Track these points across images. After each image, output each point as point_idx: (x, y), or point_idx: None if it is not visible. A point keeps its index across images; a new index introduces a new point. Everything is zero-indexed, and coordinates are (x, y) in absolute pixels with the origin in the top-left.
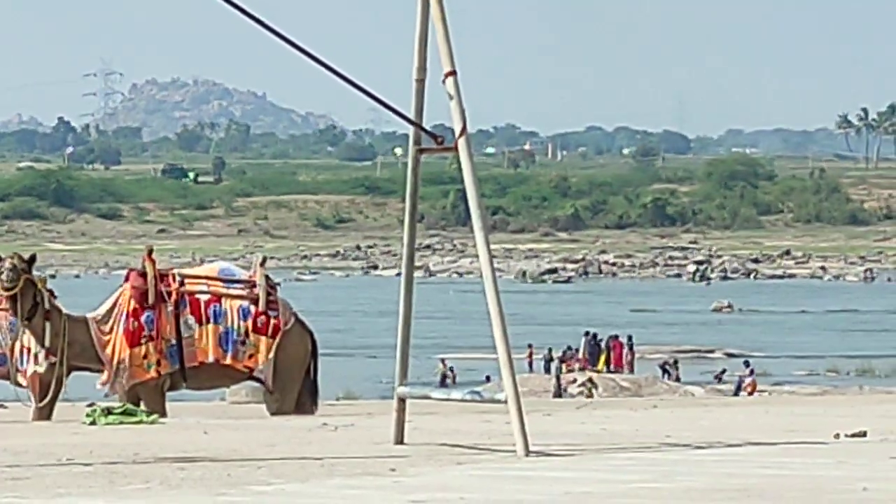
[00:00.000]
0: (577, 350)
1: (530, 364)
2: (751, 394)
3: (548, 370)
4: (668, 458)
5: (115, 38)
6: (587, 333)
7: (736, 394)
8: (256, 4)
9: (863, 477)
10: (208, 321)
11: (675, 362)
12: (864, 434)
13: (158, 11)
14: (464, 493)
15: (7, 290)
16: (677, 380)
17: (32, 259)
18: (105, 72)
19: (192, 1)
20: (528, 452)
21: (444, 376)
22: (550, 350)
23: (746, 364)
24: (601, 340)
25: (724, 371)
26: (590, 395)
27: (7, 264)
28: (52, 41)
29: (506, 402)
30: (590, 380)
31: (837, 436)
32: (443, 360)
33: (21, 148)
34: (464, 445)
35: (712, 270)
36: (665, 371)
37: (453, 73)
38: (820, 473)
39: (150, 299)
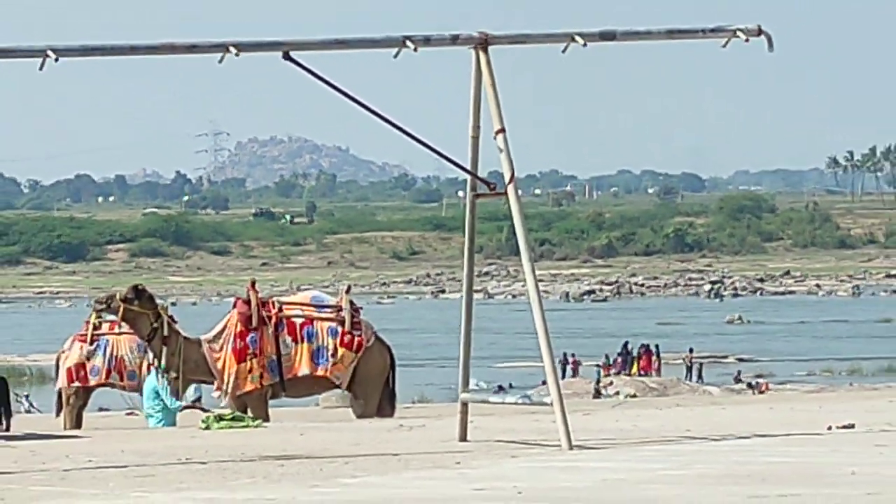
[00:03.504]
0: (615, 359)
1: (574, 370)
2: (763, 392)
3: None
4: (688, 449)
5: (223, 103)
6: (626, 344)
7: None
8: (341, 76)
9: (852, 463)
10: (303, 340)
11: (700, 366)
12: (852, 426)
13: (259, 80)
14: (518, 482)
15: (98, 310)
16: (700, 379)
17: (135, 290)
18: (214, 132)
19: (287, 73)
20: (571, 446)
21: (500, 386)
22: (564, 354)
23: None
24: (632, 349)
25: (739, 372)
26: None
27: (113, 292)
28: (170, 107)
29: (551, 404)
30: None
31: (830, 428)
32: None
33: (145, 197)
34: (517, 441)
35: (725, 289)
36: (689, 370)
37: (502, 130)
38: (815, 460)
39: (254, 322)
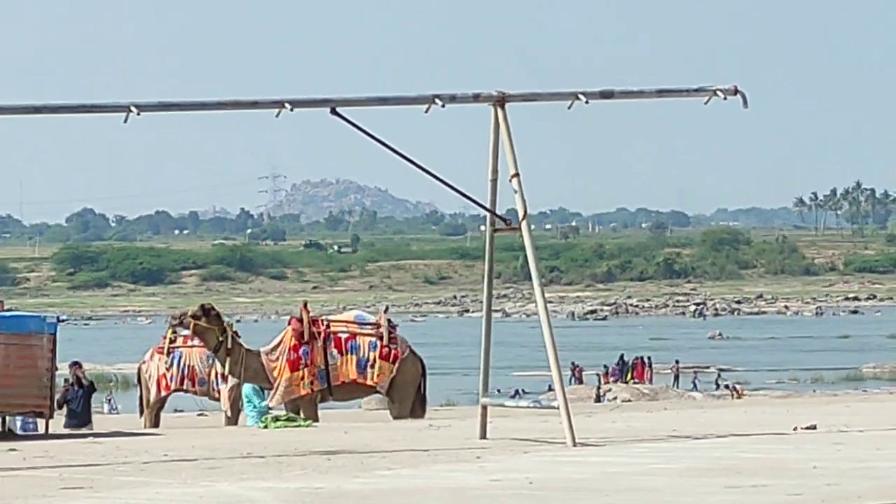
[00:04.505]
0: (614, 367)
1: (578, 378)
2: (739, 397)
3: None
4: (674, 446)
5: (281, 151)
6: (622, 356)
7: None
8: (380, 126)
9: (814, 458)
10: (347, 352)
11: (696, 375)
12: (815, 427)
13: (311, 131)
14: (530, 473)
15: (172, 325)
16: (694, 386)
17: (203, 308)
18: (274, 175)
19: (335, 125)
20: (575, 444)
21: (515, 391)
22: (573, 363)
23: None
24: (628, 360)
25: (719, 376)
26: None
27: (185, 310)
28: (236, 153)
29: (558, 407)
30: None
31: (795, 428)
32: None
33: (215, 230)
34: (529, 439)
35: (707, 309)
36: (677, 379)
37: (517, 174)
38: (783, 456)
39: (306, 337)
